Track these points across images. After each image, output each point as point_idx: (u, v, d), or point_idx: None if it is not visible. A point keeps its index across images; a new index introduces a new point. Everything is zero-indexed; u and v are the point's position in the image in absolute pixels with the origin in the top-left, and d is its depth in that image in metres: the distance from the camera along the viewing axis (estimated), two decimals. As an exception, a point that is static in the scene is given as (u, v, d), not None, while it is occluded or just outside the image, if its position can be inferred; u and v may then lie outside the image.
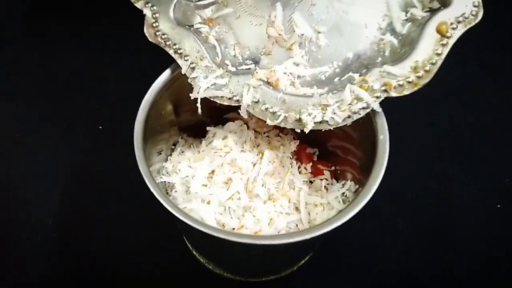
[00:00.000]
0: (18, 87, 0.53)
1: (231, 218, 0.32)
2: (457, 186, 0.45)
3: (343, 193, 0.36)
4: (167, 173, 0.37)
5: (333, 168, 0.39)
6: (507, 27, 0.58)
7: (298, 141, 0.40)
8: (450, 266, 0.40)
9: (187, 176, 0.35)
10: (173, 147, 0.40)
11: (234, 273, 0.38)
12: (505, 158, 0.47)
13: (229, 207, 0.32)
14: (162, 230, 0.41)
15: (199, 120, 0.41)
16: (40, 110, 0.50)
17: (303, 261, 0.39)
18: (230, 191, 0.32)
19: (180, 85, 0.36)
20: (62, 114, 0.50)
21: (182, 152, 0.39)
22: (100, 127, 0.49)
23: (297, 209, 0.35)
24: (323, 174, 0.39)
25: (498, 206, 0.43)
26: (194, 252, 0.40)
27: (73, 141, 0.48)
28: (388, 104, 0.33)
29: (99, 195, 0.44)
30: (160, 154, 0.38)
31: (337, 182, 0.38)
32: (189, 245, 0.40)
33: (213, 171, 0.35)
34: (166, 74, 0.35)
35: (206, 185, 0.33)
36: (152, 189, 0.28)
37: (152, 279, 0.40)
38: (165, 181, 0.36)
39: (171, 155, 0.39)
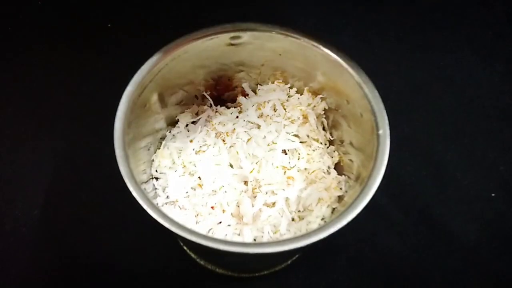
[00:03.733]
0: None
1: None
2: (452, 175, 0.44)
3: (341, 188, 0.35)
4: (156, 170, 0.36)
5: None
6: (498, 12, 0.56)
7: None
8: (446, 256, 0.40)
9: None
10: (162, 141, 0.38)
11: (226, 269, 0.38)
12: (499, 145, 0.46)
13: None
14: (151, 224, 0.39)
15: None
16: (25, 102, 0.48)
17: (297, 255, 0.39)
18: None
19: (166, 75, 0.33)
20: (46, 106, 0.47)
21: (168, 148, 0.37)
22: (87, 118, 0.46)
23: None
24: None
25: (493, 195, 0.43)
26: (185, 248, 0.39)
27: (58, 132, 0.45)
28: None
29: (86, 186, 0.42)
30: (149, 149, 0.36)
31: (338, 174, 0.37)
32: (179, 240, 0.39)
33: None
34: (149, 63, 0.32)
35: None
36: (134, 193, 0.26)
37: (141, 274, 0.38)
38: (153, 177, 0.35)
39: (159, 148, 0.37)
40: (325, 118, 0.39)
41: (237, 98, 0.40)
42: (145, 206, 0.25)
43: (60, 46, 0.52)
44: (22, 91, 0.49)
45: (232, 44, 0.34)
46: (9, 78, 0.50)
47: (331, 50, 0.32)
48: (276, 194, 0.34)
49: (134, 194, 0.26)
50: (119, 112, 0.30)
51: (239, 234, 0.33)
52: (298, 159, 0.36)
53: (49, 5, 0.56)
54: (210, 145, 0.37)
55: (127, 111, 0.30)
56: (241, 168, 0.35)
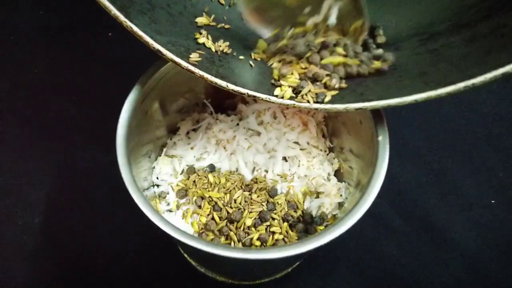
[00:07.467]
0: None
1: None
2: (452, 182, 0.44)
3: (341, 195, 0.35)
4: (157, 178, 0.36)
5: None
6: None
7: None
8: (446, 263, 0.40)
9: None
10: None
11: (227, 276, 0.37)
12: (499, 152, 0.46)
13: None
14: (152, 231, 0.39)
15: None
16: (26, 109, 0.48)
17: (298, 263, 0.39)
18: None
19: (167, 83, 0.34)
20: (47, 114, 0.48)
21: (169, 155, 0.37)
22: (88, 126, 0.46)
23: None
24: None
25: (492, 201, 0.43)
26: (185, 255, 0.38)
27: (58, 140, 0.46)
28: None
29: (86, 194, 0.42)
30: (150, 157, 0.36)
31: (338, 181, 0.37)
32: (180, 248, 0.38)
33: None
34: (151, 71, 0.32)
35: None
36: (136, 200, 0.26)
37: (141, 282, 0.38)
38: (154, 185, 0.35)
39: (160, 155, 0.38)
40: (325, 125, 0.39)
41: (237, 105, 0.40)
42: (147, 213, 0.25)
43: (62, 55, 0.53)
44: (23, 99, 0.49)
45: None
46: (10, 86, 0.50)
47: None
48: (277, 201, 0.34)
49: (137, 200, 0.26)
50: (121, 119, 0.30)
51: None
52: (298, 166, 0.37)
53: (51, 14, 0.57)
54: (210, 152, 0.37)
55: (129, 118, 0.30)
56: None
